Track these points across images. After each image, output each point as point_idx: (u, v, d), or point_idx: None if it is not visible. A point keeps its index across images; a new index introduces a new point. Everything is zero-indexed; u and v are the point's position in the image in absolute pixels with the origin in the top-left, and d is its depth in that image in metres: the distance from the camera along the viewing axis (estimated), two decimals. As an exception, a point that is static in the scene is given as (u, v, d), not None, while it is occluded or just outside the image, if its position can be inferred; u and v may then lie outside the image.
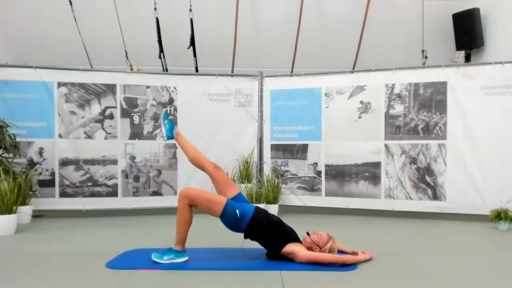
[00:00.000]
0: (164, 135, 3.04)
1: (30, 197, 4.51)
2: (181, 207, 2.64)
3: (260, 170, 5.21)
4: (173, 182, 5.03)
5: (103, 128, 4.89)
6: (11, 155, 4.47)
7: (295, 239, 2.78)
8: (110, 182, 4.88)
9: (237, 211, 2.66)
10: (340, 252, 2.82)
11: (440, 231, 4.01)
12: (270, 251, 2.76)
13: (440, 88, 4.63)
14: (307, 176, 5.10)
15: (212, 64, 5.85)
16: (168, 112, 2.97)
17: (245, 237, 2.76)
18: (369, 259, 2.76)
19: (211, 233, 3.68)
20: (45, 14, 5.69)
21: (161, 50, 5.66)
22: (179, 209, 2.65)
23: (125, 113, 4.95)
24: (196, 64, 5.71)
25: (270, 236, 2.71)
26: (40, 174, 4.72)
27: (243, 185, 4.93)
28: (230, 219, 2.67)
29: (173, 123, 3.11)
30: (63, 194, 4.77)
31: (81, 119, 4.85)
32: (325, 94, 5.04)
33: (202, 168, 2.93)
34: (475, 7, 5.59)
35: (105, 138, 4.89)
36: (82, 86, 4.84)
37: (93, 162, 4.85)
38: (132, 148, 4.95)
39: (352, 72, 5.17)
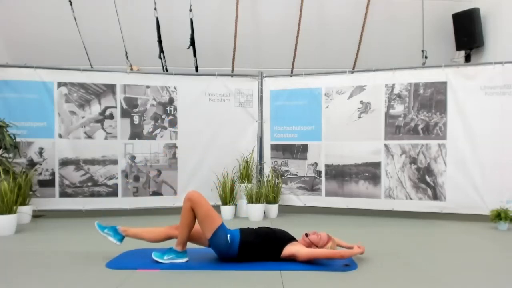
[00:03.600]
0: (114, 242, 2.81)
1: (30, 197, 4.52)
2: (185, 209, 2.63)
3: (260, 170, 5.21)
4: (173, 182, 5.03)
5: (103, 128, 4.89)
6: (11, 155, 4.47)
7: (289, 239, 2.77)
8: (110, 182, 4.88)
9: (228, 236, 2.63)
10: (338, 246, 2.84)
11: (440, 231, 4.01)
12: (269, 259, 2.74)
13: (440, 88, 4.63)
14: (307, 176, 5.10)
15: (212, 64, 5.86)
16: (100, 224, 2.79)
17: (240, 260, 2.69)
18: (362, 253, 2.74)
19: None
20: (45, 14, 5.69)
21: (161, 50, 5.66)
22: (183, 211, 2.64)
23: (125, 113, 4.94)
24: (196, 64, 5.71)
25: (265, 250, 2.68)
26: (40, 174, 4.72)
27: (243, 185, 4.93)
28: (220, 242, 2.62)
29: (112, 226, 2.88)
30: (63, 194, 4.77)
31: (81, 119, 4.85)
32: (325, 94, 5.03)
33: (170, 237, 2.81)
34: (475, 7, 5.60)
35: (105, 138, 4.89)
36: (82, 86, 4.84)
37: (93, 162, 4.85)
38: (132, 148, 4.94)
39: (352, 72, 5.17)
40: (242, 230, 2.75)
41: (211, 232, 2.60)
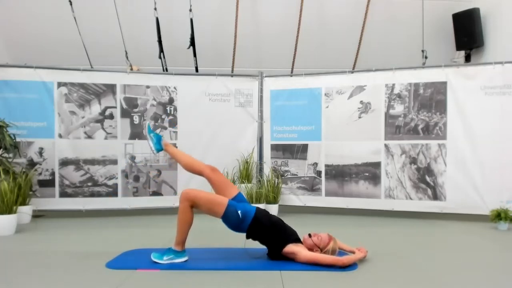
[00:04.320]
0: (153, 148, 2.94)
1: (30, 197, 4.51)
2: (183, 208, 2.64)
3: (260, 170, 5.21)
4: (173, 182, 5.03)
5: (103, 128, 4.89)
6: (11, 155, 4.47)
7: (296, 239, 2.78)
8: (110, 182, 4.88)
9: (239, 212, 2.66)
10: (339, 249, 2.84)
11: (440, 231, 4.01)
12: (271, 250, 2.76)
13: (440, 88, 4.63)
14: (307, 176, 5.10)
15: (212, 64, 5.85)
16: (152, 124, 2.94)
17: (247, 237, 2.76)
18: (364, 257, 2.77)
19: (211, 233, 3.68)
20: (45, 14, 5.69)
21: (161, 50, 5.66)
22: (180, 210, 2.65)
23: (125, 113, 4.95)
24: (196, 64, 5.71)
25: (272, 236, 2.72)
26: (40, 174, 4.72)
27: (243, 185, 4.93)
28: (232, 220, 2.67)
29: (159, 135, 3.03)
30: (63, 194, 4.76)
31: (81, 119, 4.85)
32: (325, 94, 5.03)
33: (199, 173, 2.91)
34: (475, 7, 5.60)
35: (105, 138, 4.89)
36: (82, 86, 4.84)
37: (93, 162, 4.85)
38: (132, 148, 4.94)
39: (352, 72, 5.17)
40: (258, 209, 2.78)
41: (221, 214, 2.65)
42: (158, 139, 2.98)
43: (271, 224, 2.73)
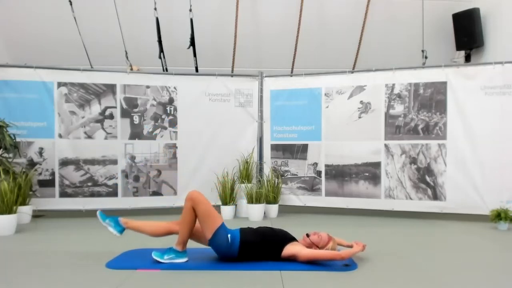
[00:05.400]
0: (114, 233, 2.82)
1: (30, 197, 4.52)
2: (186, 208, 2.64)
3: (260, 170, 5.21)
4: (173, 182, 5.03)
5: (103, 128, 4.89)
6: (11, 155, 4.47)
7: (290, 239, 2.77)
8: (110, 182, 4.88)
9: (229, 236, 2.64)
10: (338, 245, 2.84)
11: (440, 231, 4.01)
12: (271, 259, 2.74)
13: (440, 88, 4.63)
14: (307, 176, 5.10)
15: (212, 64, 5.86)
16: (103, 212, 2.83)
17: (241, 260, 2.71)
18: (362, 250, 2.75)
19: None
20: (45, 14, 5.70)
21: (161, 50, 5.66)
22: (184, 210, 2.65)
23: (125, 113, 4.95)
24: (196, 64, 5.71)
25: (266, 248, 2.69)
26: (40, 174, 4.72)
27: (243, 185, 4.93)
28: (221, 243, 2.63)
29: (114, 217, 2.88)
30: (63, 194, 4.77)
31: (81, 119, 4.85)
32: (325, 94, 5.03)
33: (169, 233, 2.81)
34: (475, 7, 5.60)
35: (105, 138, 4.89)
36: (82, 86, 4.84)
37: (93, 162, 4.85)
38: (132, 148, 4.95)
39: (352, 72, 5.17)
40: (242, 230, 2.75)
41: (211, 232, 2.61)
42: (116, 221, 2.85)
43: (260, 239, 2.69)
